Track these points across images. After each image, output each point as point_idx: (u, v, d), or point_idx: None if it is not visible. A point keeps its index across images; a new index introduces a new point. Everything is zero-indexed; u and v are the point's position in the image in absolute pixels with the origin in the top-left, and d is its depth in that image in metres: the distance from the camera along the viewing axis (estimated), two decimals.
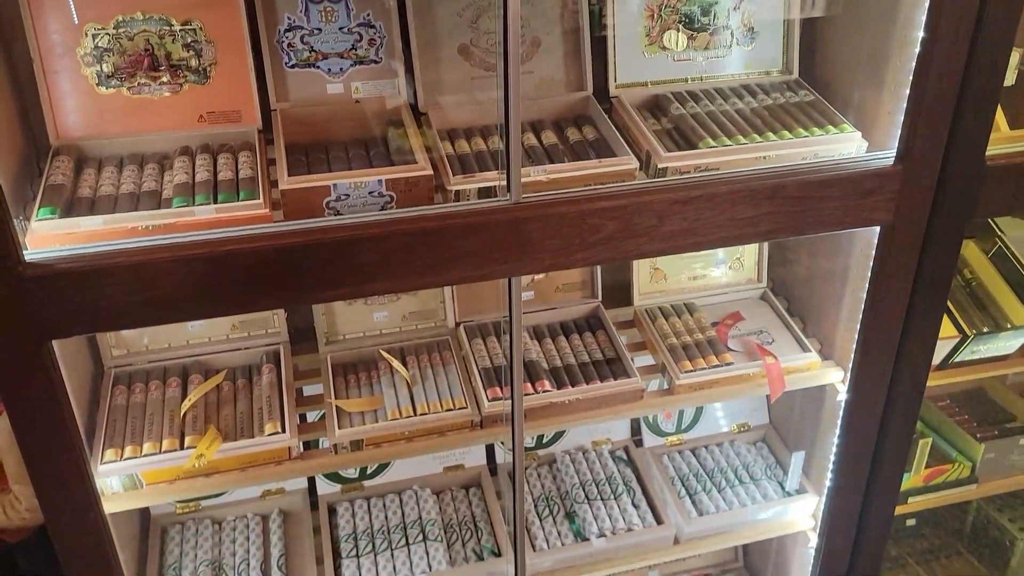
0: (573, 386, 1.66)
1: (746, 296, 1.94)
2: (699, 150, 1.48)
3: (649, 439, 2.07)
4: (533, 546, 1.82)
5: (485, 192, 1.39)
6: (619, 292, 1.90)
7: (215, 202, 1.27)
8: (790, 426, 2.03)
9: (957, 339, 1.79)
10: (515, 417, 1.54)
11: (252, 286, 1.21)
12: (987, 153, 1.51)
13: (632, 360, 1.73)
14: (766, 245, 1.91)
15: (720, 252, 1.91)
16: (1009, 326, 1.83)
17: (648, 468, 2.01)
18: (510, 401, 1.53)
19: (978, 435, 2.07)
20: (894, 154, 1.46)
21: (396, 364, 1.65)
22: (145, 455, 1.44)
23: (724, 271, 1.93)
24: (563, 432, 2.03)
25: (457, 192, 1.37)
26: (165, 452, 1.45)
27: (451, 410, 1.59)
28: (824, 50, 1.69)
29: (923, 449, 1.96)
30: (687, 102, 1.61)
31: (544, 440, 2.03)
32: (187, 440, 1.47)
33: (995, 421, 2.18)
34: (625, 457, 2.05)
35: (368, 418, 1.59)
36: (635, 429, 2.09)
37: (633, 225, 1.36)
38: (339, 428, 1.55)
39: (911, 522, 2.42)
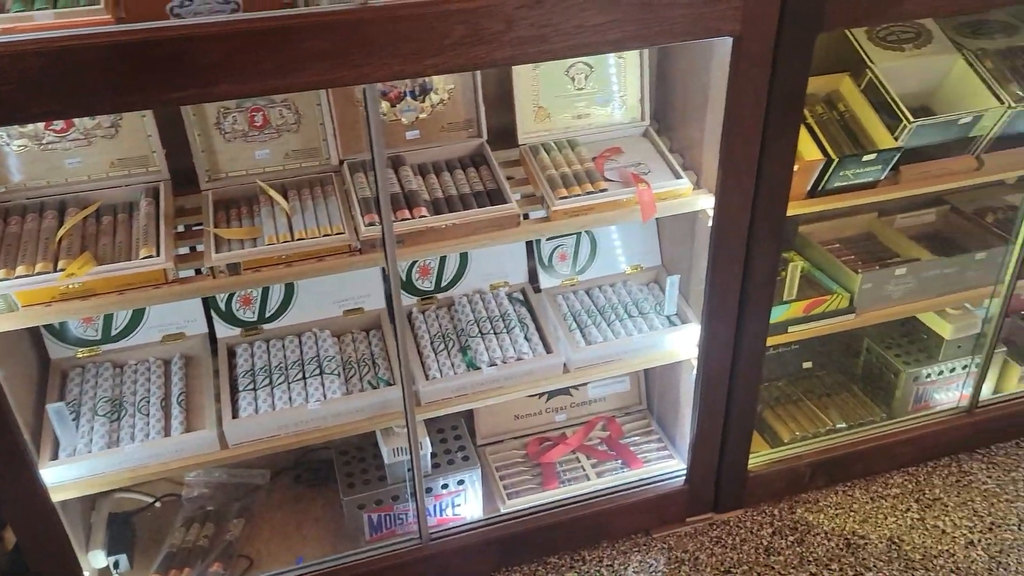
0: (452, 213, 1.72)
1: (629, 134, 1.99)
2: None
3: (546, 281, 2.15)
4: (427, 376, 1.91)
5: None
6: (506, 135, 1.94)
7: (55, 7, 1.29)
8: (675, 260, 2.11)
9: (823, 162, 1.86)
10: (387, 242, 1.60)
11: (93, 87, 1.24)
12: None
13: (514, 193, 1.79)
14: (647, 83, 1.96)
15: (601, 92, 1.95)
16: (872, 149, 1.90)
17: (543, 307, 2.09)
18: (380, 225, 1.58)
19: (858, 268, 2.17)
20: None
21: (274, 195, 1.70)
22: (18, 276, 1.48)
23: (608, 109, 1.97)
24: (461, 275, 2.10)
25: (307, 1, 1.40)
26: (38, 274, 1.49)
27: (328, 235, 1.65)
28: None
29: (793, 273, 2.06)
30: None
31: (443, 284, 2.10)
32: (60, 264, 1.51)
33: (879, 259, 2.29)
34: (522, 298, 2.13)
35: (248, 246, 1.64)
36: (533, 275, 2.16)
37: (481, 30, 1.40)
38: (216, 254, 1.60)
39: (808, 364, 2.56)
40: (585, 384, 2.30)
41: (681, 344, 2.01)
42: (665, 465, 2.20)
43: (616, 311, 2.08)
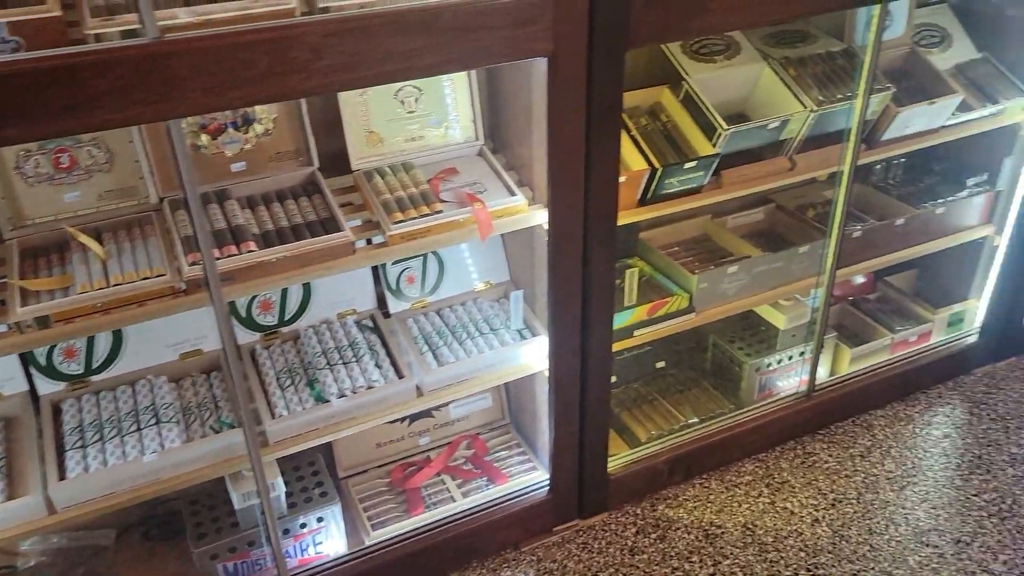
0: (283, 245, 1.67)
1: (464, 154, 2.01)
2: None
3: (395, 305, 2.13)
4: (273, 414, 1.84)
5: (130, 36, 1.34)
6: (340, 161, 1.92)
7: None
8: (522, 274, 2.14)
9: (649, 171, 1.94)
10: (210, 281, 1.53)
11: None
12: None
13: (349, 220, 1.77)
14: (478, 103, 1.98)
15: (433, 114, 1.96)
16: (693, 157, 2.00)
17: (393, 331, 2.07)
18: (203, 263, 1.52)
19: (696, 270, 2.27)
20: None
21: (85, 239, 1.60)
22: None
23: (441, 131, 1.98)
24: (306, 307, 2.05)
25: (97, 36, 1.33)
26: None
27: (148, 278, 1.57)
28: None
29: (631, 279, 2.13)
30: None
31: (286, 317, 2.04)
32: None
33: (715, 259, 2.41)
34: (371, 324, 2.10)
35: (60, 295, 1.53)
36: (382, 300, 2.14)
37: (287, 60, 1.37)
38: (21, 308, 1.49)
39: (661, 364, 2.65)
40: (446, 404, 2.30)
41: (532, 356, 2.04)
42: (530, 477, 2.22)
43: (468, 329, 2.08)
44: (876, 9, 1.96)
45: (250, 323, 2.00)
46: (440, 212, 1.79)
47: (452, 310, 2.15)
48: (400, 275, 2.11)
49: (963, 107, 2.32)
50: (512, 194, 1.87)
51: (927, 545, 2.15)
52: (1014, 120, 2.41)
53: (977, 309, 2.71)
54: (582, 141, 1.72)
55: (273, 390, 1.90)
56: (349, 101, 1.85)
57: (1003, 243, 2.58)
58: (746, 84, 2.19)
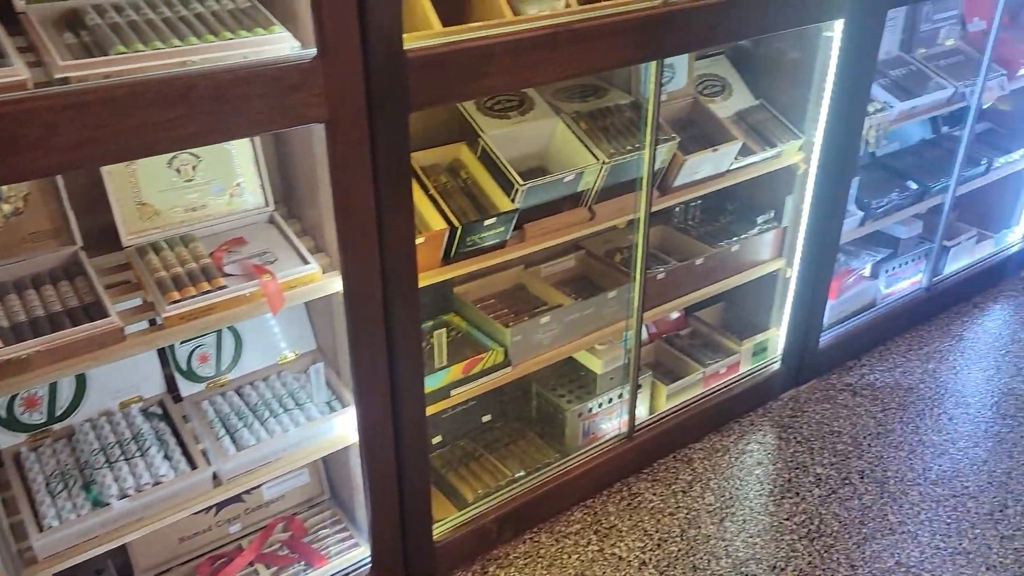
0: (37, 338, 1.49)
1: (254, 221, 1.90)
2: (107, 57, 1.37)
3: (187, 388, 1.97)
4: (41, 526, 1.63)
5: None
6: (110, 236, 1.75)
7: None
8: (328, 342, 2.05)
9: (448, 230, 1.92)
10: None
11: None
12: (414, 46, 1.60)
13: (120, 302, 1.61)
14: (264, 166, 1.89)
15: (216, 181, 1.84)
16: (493, 213, 2.00)
17: (186, 417, 1.90)
18: None
19: (510, 323, 2.26)
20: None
21: None
22: None
23: (226, 198, 1.86)
24: (81, 399, 1.85)
25: None
26: None
27: None
28: None
29: (439, 340, 2.09)
30: (107, 13, 1.50)
31: (57, 413, 1.83)
32: None
33: (530, 309, 2.42)
34: (160, 412, 1.92)
35: None
36: (173, 383, 1.97)
37: (16, 137, 1.23)
38: None
39: (487, 417, 2.61)
40: (258, 487, 2.14)
41: (343, 428, 1.94)
42: (351, 555, 2.10)
43: (271, 407, 1.95)
44: (653, 66, 2.05)
45: (12, 424, 1.77)
46: (224, 288, 1.67)
47: (253, 387, 2.01)
48: (191, 354, 1.95)
49: (745, 151, 2.48)
50: (305, 262, 1.77)
51: (746, 575, 2.22)
52: (791, 161, 2.60)
53: (778, 337, 2.88)
54: (372, 205, 1.66)
55: (42, 498, 1.68)
56: (115, 172, 1.70)
57: (793, 275, 2.77)
58: (542, 138, 2.22)
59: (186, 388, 1.96)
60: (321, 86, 1.48)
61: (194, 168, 1.80)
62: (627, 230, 2.66)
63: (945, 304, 3.34)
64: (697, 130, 2.48)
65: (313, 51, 1.48)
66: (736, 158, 2.44)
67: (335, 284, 1.78)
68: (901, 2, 2.65)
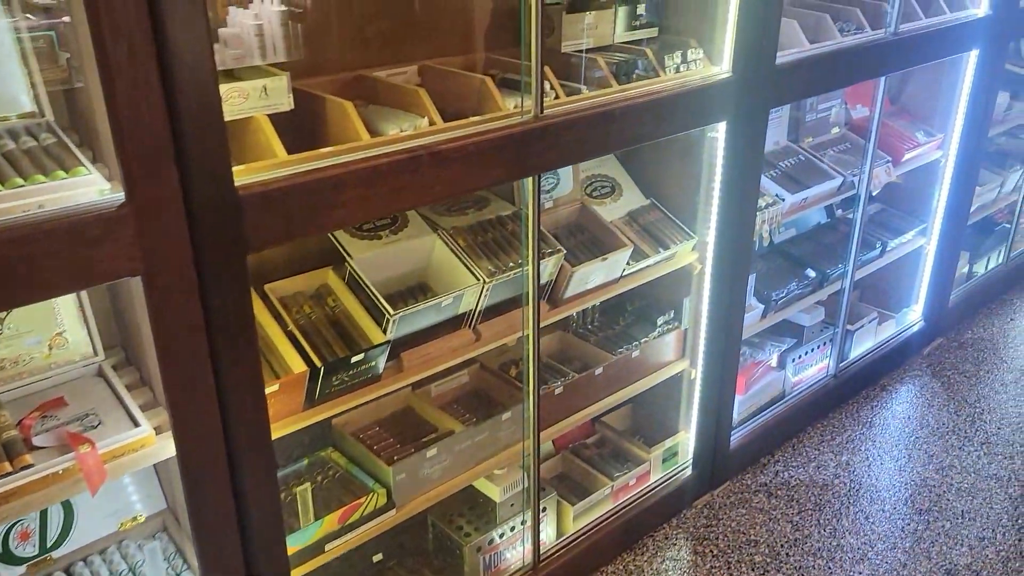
0: None
1: (80, 375, 1.66)
2: None
3: (5, 572, 1.67)
4: None
5: None
6: None
7: None
8: (178, 503, 1.79)
9: (308, 372, 1.71)
10: None
11: None
12: (250, 182, 1.43)
13: None
14: (91, 312, 1.65)
15: (31, 332, 1.60)
16: (364, 347, 1.81)
17: None
18: None
19: (395, 457, 2.05)
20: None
21: None
22: None
23: (44, 352, 1.62)
24: None
25: None
26: None
27: None
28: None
29: (303, 496, 1.86)
30: None
31: None
32: None
33: (419, 437, 2.21)
34: None
35: None
36: None
37: None
38: None
39: (378, 557, 2.36)
40: None
41: None
42: None
43: None
44: (530, 180, 1.93)
45: None
46: (30, 466, 1.41)
47: (87, 564, 1.73)
48: (9, 532, 1.67)
49: (638, 255, 2.37)
50: (135, 424, 1.54)
51: None
52: (686, 262, 2.50)
53: (688, 440, 2.74)
54: (206, 360, 1.45)
55: None
56: None
57: (698, 375, 2.65)
58: (420, 256, 2.06)
59: (5, 571, 1.66)
60: (131, 236, 1.28)
61: (2, 322, 1.55)
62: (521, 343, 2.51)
63: (854, 389, 3.29)
64: (587, 236, 2.36)
65: (120, 196, 1.28)
66: (629, 263, 2.33)
67: (170, 448, 1.54)
68: (783, 102, 2.64)
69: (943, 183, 3.32)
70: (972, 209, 3.49)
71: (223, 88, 1.48)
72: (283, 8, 1.73)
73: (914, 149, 3.18)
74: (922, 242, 3.42)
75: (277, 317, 1.79)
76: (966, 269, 3.81)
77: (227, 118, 1.39)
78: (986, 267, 3.95)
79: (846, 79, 2.74)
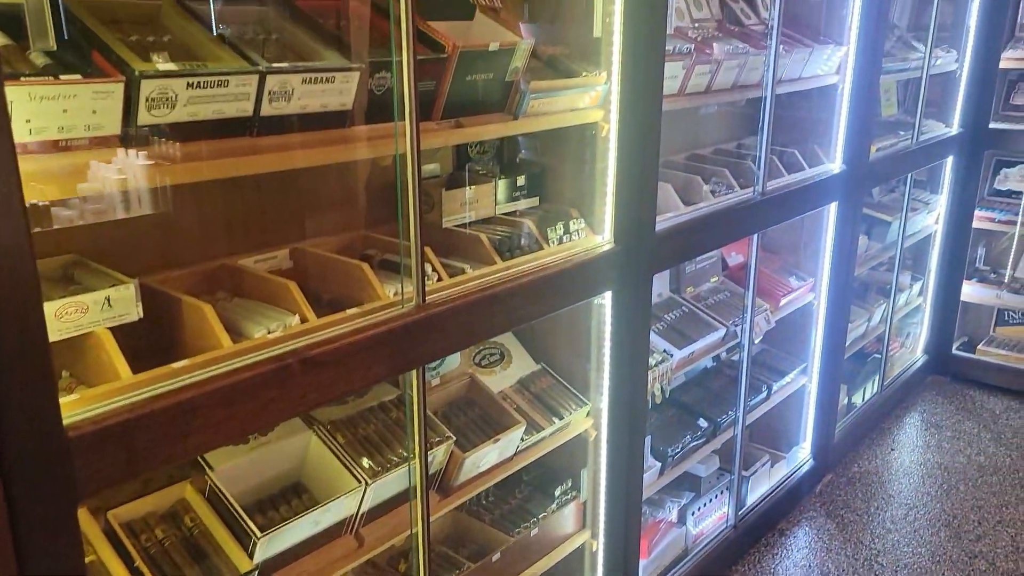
0: None
1: None
2: None
3: None
4: None
5: None
6: None
7: None
8: None
9: None
10: None
11: None
12: (80, 419, 1.22)
13: None
14: None
15: None
16: None
17: None
18: None
19: None
20: None
21: None
22: None
23: None
24: None
25: None
26: None
27: None
28: None
29: None
30: None
31: None
32: None
33: None
34: None
35: None
36: None
37: None
38: None
39: None
40: None
41: None
42: None
43: None
44: (413, 372, 1.80)
45: None
46: None
47: None
48: None
49: (533, 427, 2.26)
50: None
51: None
52: (580, 429, 2.41)
53: None
54: None
55: None
56: None
57: (600, 546, 2.51)
58: (294, 455, 1.86)
59: None
60: None
61: None
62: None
63: (755, 537, 3.22)
64: (477, 412, 2.23)
65: None
66: (523, 438, 2.21)
67: None
68: (665, 267, 2.66)
69: (818, 323, 3.44)
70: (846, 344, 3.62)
71: (56, 304, 1.30)
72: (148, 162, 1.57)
73: (789, 294, 3.28)
74: (804, 381, 3.49)
75: (122, 550, 1.53)
76: (845, 401, 3.91)
77: (61, 336, 1.20)
78: (863, 397, 4.08)
79: (724, 238, 2.81)
